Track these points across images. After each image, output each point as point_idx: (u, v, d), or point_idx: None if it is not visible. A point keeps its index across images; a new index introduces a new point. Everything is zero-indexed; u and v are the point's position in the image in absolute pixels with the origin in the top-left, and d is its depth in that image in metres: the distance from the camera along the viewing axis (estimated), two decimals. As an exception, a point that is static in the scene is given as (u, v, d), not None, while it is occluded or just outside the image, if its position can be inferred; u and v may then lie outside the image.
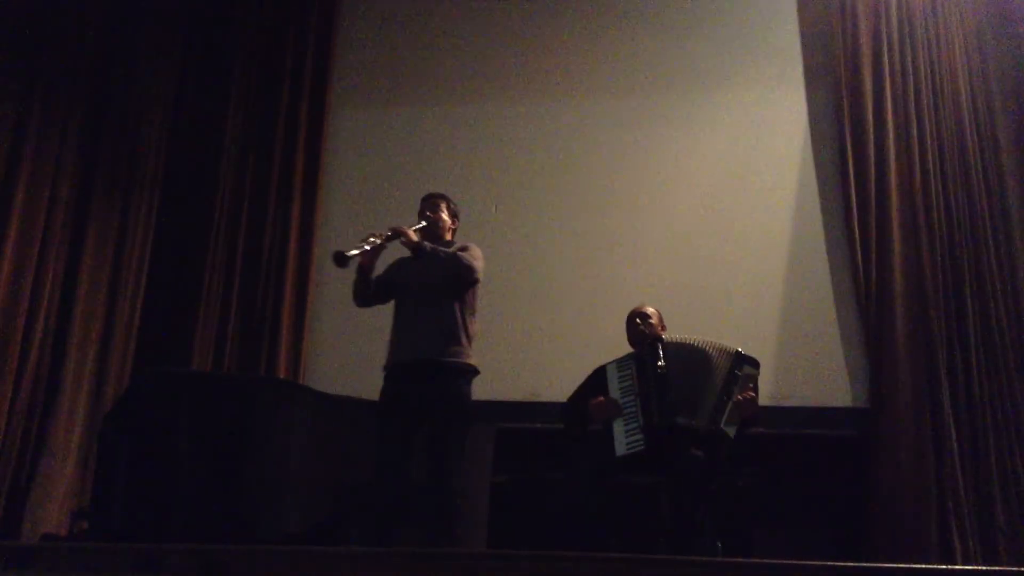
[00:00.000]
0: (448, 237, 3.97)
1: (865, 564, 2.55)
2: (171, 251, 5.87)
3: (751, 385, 3.79)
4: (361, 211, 5.96)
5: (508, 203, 5.75)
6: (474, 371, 3.77)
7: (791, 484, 4.85)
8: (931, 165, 5.34)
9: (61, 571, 2.63)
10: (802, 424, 5.07)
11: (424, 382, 3.66)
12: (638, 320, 4.05)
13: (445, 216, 3.97)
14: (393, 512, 3.60)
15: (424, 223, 3.87)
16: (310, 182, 5.96)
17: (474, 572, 2.59)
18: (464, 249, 3.84)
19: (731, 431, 3.67)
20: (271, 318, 5.68)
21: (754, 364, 3.83)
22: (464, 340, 3.75)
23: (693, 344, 3.85)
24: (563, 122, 5.96)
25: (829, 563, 2.59)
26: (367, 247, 3.67)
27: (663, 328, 4.06)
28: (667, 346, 3.83)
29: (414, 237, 3.72)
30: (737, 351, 3.83)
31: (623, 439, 3.67)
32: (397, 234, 3.70)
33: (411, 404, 3.67)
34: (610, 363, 3.91)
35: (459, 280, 3.76)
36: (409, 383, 3.68)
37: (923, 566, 2.64)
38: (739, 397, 3.71)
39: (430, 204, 3.98)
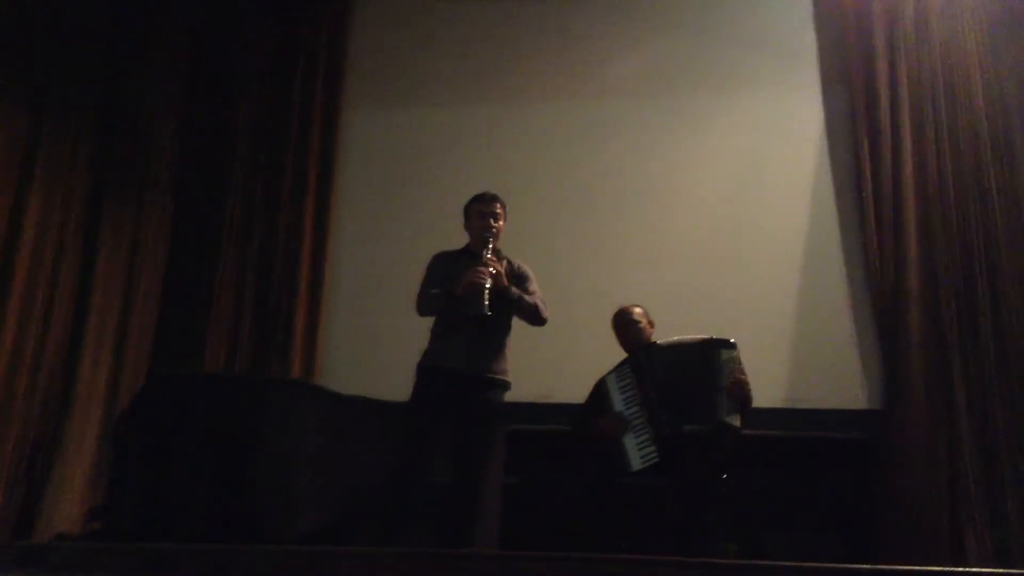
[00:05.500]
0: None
1: (878, 566, 2.54)
2: (185, 253, 5.89)
3: (737, 366, 3.77)
4: (374, 212, 5.98)
5: (520, 203, 5.71)
6: (509, 386, 3.88)
7: (804, 486, 4.83)
8: (947, 166, 5.31)
9: (74, 570, 2.64)
10: (815, 426, 5.05)
11: (468, 393, 3.73)
12: (628, 325, 4.03)
13: (503, 223, 3.99)
14: (410, 510, 3.64)
15: (491, 241, 3.86)
16: (323, 183, 5.97)
17: (485, 573, 2.59)
18: (525, 278, 3.97)
19: (734, 421, 3.68)
20: (284, 319, 5.68)
21: (731, 346, 3.80)
22: (507, 356, 3.87)
23: (679, 344, 3.85)
24: (577, 123, 5.95)
25: (841, 565, 2.58)
26: (486, 292, 3.63)
27: (651, 325, 4.04)
28: (660, 350, 3.82)
29: (506, 281, 3.77)
30: (710, 339, 3.82)
31: (636, 452, 3.69)
32: (498, 277, 3.72)
33: (448, 410, 3.73)
34: (608, 374, 3.90)
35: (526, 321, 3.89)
36: (451, 391, 3.74)
37: (936, 568, 2.63)
38: (728, 384, 3.70)
39: (492, 210, 3.96)
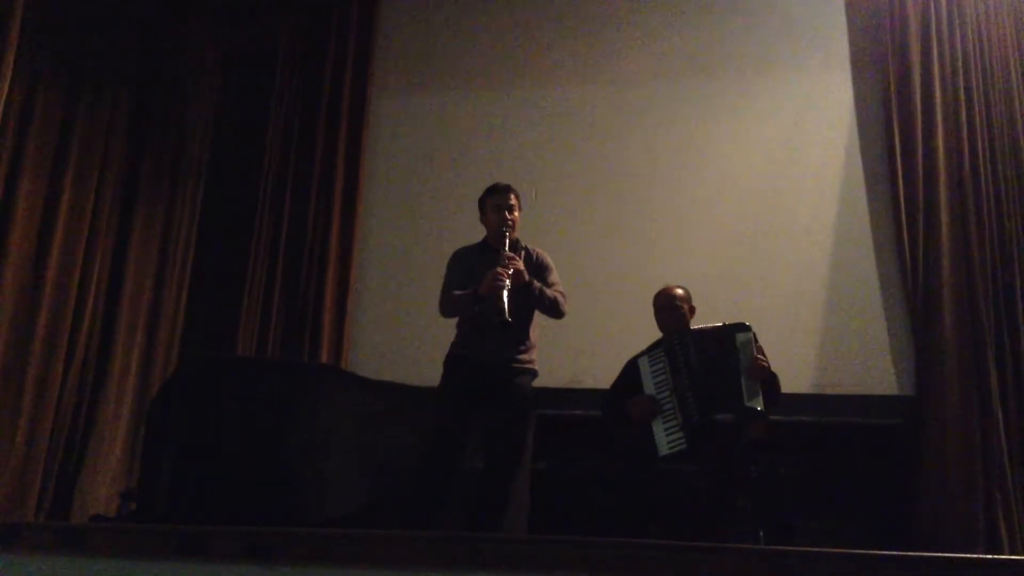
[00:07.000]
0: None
1: (910, 553, 2.51)
2: (216, 238, 5.96)
3: (754, 347, 3.71)
4: (402, 198, 5.99)
5: (548, 189, 5.72)
6: (536, 374, 3.88)
7: (835, 473, 4.80)
8: (980, 150, 5.25)
9: (110, 550, 2.67)
10: (847, 412, 5.01)
11: (495, 383, 3.75)
12: (672, 309, 3.95)
13: (518, 213, 3.97)
14: (441, 495, 3.66)
15: (509, 234, 3.85)
16: (352, 169, 6.00)
17: (515, 556, 2.59)
18: (546, 268, 3.94)
19: (758, 404, 3.62)
20: (314, 304, 5.72)
21: (745, 329, 3.75)
22: (534, 346, 3.87)
23: (708, 331, 3.81)
24: (605, 108, 5.92)
25: (873, 552, 2.56)
26: (506, 295, 3.61)
27: (691, 311, 3.99)
28: (692, 338, 3.79)
29: (526, 277, 3.75)
30: (724, 325, 3.78)
31: (664, 438, 3.66)
32: (518, 276, 3.70)
33: (477, 398, 3.75)
34: (641, 356, 3.87)
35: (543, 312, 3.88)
36: (480, 379, 3.76)
37: (969, 556, 2.60)
38: (747, 366, 3.65)
39: (507, 201, 3.92)
